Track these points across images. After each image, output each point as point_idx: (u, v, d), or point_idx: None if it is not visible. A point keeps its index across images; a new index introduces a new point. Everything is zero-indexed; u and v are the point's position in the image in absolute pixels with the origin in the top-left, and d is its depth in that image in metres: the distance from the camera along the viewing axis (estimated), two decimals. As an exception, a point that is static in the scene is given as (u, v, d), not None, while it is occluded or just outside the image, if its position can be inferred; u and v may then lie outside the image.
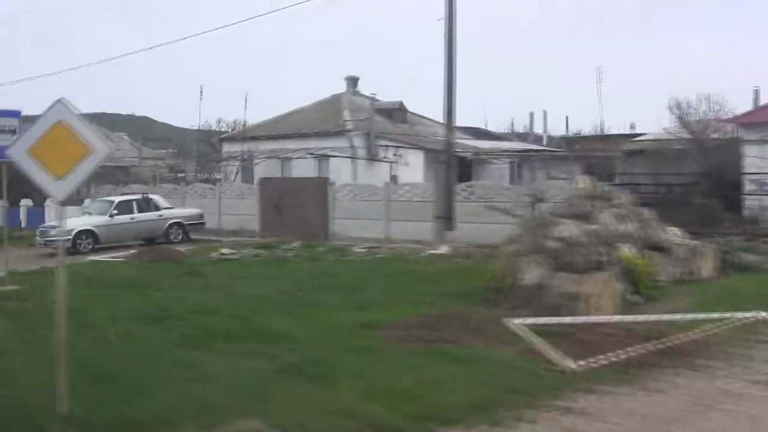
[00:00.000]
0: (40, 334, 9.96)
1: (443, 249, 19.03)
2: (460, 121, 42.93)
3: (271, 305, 11.38)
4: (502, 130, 45.15)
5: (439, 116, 43.14)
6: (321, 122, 32.97)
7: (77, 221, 22.50)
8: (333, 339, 8.83)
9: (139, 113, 75.91)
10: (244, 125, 38.64)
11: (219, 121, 53.14)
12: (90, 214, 23.15)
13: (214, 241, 23.65)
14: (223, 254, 18.32)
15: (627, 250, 11.41)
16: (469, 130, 37.19)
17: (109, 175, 42.18)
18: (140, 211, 23.33)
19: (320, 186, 24.07)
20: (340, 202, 23.49)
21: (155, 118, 76.25)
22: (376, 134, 31.27)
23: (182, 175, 39.68)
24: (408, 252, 19.01)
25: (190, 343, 8.98)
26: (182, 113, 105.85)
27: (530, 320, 8.79)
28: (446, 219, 19.42)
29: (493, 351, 8.20)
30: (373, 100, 31.80)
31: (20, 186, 35.13)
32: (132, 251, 20.55)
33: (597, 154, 30.57)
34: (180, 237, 23.87)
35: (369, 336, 8.94)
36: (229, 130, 49.58)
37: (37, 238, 22.80)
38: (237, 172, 32.84)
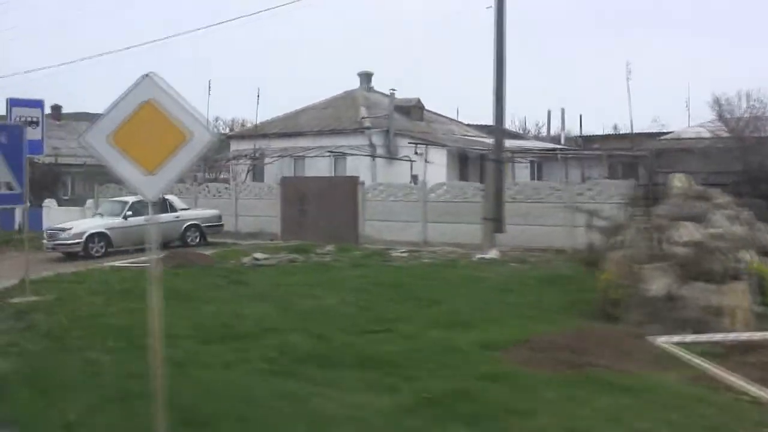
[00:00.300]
0: (89, 357, 8.47)
1: (493, 253, 17.65)
2: (474, 119, 41.73)
3: (344, 321, 9.90)
4: (512, 129, 43.87)
5: (454, 114, 41.77)
6: (335, 119, 31.50)
7: (88, 223, 20.92)
8: (451, 364, 7.38)
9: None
10: (251, 124, 37.00)
11: (216, 119, 51.50)
12: (101, 215, 21.54)
13: (232, 245, 22.12)
14: (256, 259, 16.80)
15: (749, 256, 10.06)
16: (487, 128, 35.83)
17: (104, 174, 40.52)
18: (171, 210, 21.73)
19: (349, 185, 22.58)
20: (371, 202, 22.01)
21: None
22: (395, 132, 29.86)
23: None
24: (456, 256, 17.59)
25: (277, 369, 7.51)
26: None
27: (689, 338, 7.42)
28: (495, 221, 18.03)
29: (656, 377, 6.82)
30: (392, 96, 30.34)
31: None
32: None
33: (627, 153, 29.31)
34: (197, 240, 22.32)
35: (494, 360, 7.50)
36: (228, 129, 48.03)
37: (45, 241, 21.15)
38: (248, 171, 31.27)
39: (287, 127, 32.02)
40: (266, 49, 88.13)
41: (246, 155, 31.28)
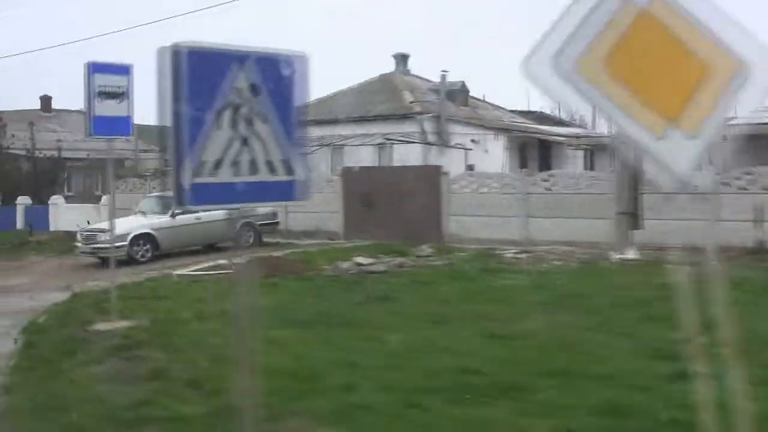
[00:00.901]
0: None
1: (632, 253, 14.87)
2: (510, 104, 38.89)
3: (635, 360, 6.96)
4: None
5: (494, 99, 38.67)
6: (375, 105, 28.46)
7: (130, 223, 17.66)
8: None
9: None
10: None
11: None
12: (143, 213, 18.26)
13: (287, 245, 19.10)
14: (360, 264, 13.79)
15: None
16: (532, 115, 33.13)
17: (100, 169, 36.76)
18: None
19: (431, 175, 19.58)
20: (458, 195, 19.04)
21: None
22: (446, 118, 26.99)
23: None
24: (590, 258, 14.76)
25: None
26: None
27: None
28: (632, 215, 15.22)
29: None
30: (444, 79, 27.40)
31: (10, 180, 30.13)
32: (218, 261, 15.83)
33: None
34: (251, 240, 19.17)
35: None
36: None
37: (79, 244, 17.86)
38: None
39: (320, 114, 28.84)
40: (282, 31, 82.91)
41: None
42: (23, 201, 28.56)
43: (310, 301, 10.45)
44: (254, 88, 3.82)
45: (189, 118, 3.57)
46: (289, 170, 4.06)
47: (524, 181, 18.33)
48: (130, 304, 10.93)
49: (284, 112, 3.99)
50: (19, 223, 28.15)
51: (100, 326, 9.51)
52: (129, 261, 16.87)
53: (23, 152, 31.06)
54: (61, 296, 13.36)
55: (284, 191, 4.07)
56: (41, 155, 31.11)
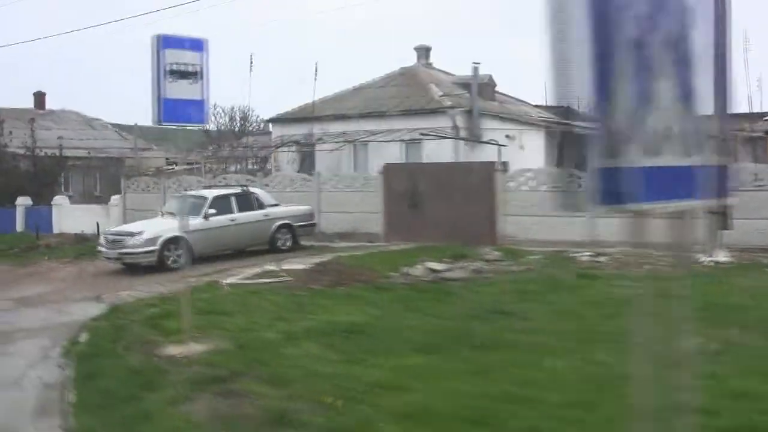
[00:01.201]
0: None
1: (722, 255, 13.50)
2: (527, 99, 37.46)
3: None
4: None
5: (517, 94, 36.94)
6: (402, 99, 26.90)
7: (160, 225, 16.01)
8: None
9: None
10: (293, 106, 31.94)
11: (215, 106, 45.51)
12: (171, 214, 16.62)
13: (322, 248, 17.55)
14: (435, 271, 12.27)
15: None
16: (558, 110, 31.68)
17: (100, 168, 34.81)
18: (241, 209, 16.92)
19: (482, 172, 18.08)
20: (515, 193, 17.56)
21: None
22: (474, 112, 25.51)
23: (197, 166, 32.69)
24: (679, 261, 13.32)
25: None
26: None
27: None
28: (721, 215, 13.81)
29: None
30: (476, 71, 25.86)
31: (11, 180, 28.17)
32: (265, 267, 14.25)
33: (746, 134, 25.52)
34: (288, 243, 17.60)
35: None
36: (228, 119, 42.24)
37: (103, 249, 16.19)
38: (303, 160, 26.53)
39: (342, 109, 27.27)
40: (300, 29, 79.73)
41: (297, 141, 26.47)
42: (23, 202, 26.70)
43: (409, 317, 8.92)
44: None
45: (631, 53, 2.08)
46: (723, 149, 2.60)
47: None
48: (193, 322, 9.35)
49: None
50: (19, 225, 26.33)
51: (172, 350, 7.94)
52: (159, 267, 15.26)
53: (22, 151, 29.17)
54: (94, 309, 11.82)
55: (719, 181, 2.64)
56: (41, 154, 29.25)
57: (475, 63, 25.87)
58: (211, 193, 16.89)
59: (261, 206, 17.32)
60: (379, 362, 6.91)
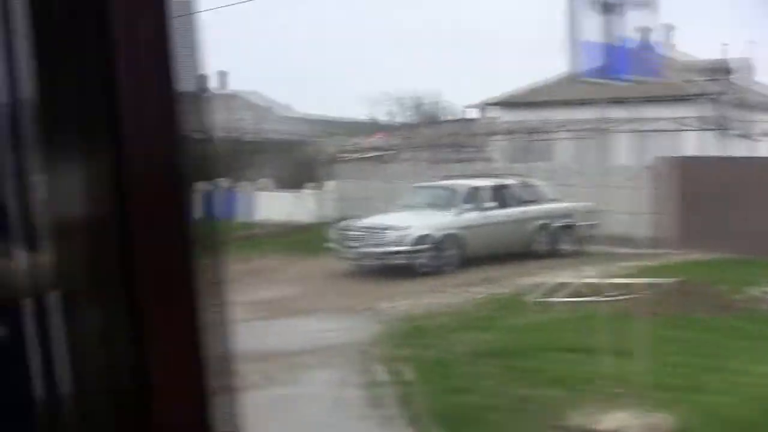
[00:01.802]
0: None
1: None
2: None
3: None
4: None
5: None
6: (633, 85, 23.56)
7: (424, 219, 13.54)
8: None
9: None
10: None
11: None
12: (425, 206, 14.14)
13: (597, 254, 14.61)
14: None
15: None
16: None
17: (257, 152, 32.98)
18: (516, 204, 14.35)
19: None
20: None
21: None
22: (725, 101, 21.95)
23: (382, 153, 30.04)
24: None
25: None
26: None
27: None
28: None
29: None
30: (726, 54, 22.37)
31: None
32: (560, 279, 11.48)
33: None
34: (570, 248, 14.78)
35: None
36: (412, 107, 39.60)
37: (353, 244, 13.69)
38: (523, 150, 23.92)
39: (570, 94, 24.29)
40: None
41: (519, 130, 23.79)
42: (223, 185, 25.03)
43: None
44: None
45: None
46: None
47: None
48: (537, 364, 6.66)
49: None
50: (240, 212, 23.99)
51: (607, 425, 5.23)
52: (428, 271, 12.80)
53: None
54: (367, 324, 9.45)
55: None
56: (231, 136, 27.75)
57: (724, 44, 22.39)
58: (484, 184, 14.37)
59: (539, 201, 14.67)
60: None
